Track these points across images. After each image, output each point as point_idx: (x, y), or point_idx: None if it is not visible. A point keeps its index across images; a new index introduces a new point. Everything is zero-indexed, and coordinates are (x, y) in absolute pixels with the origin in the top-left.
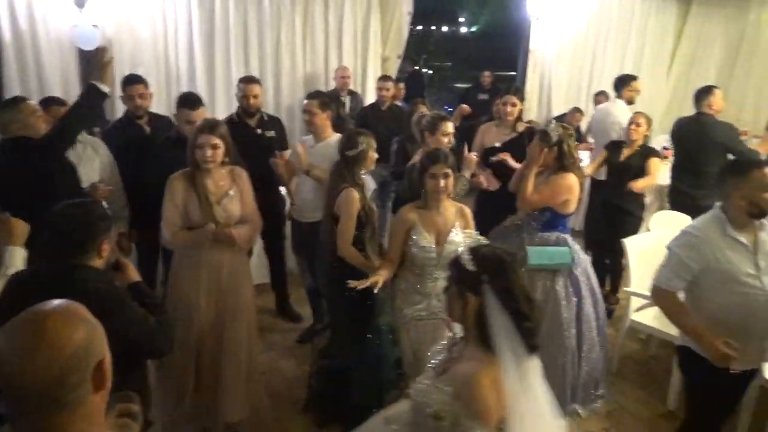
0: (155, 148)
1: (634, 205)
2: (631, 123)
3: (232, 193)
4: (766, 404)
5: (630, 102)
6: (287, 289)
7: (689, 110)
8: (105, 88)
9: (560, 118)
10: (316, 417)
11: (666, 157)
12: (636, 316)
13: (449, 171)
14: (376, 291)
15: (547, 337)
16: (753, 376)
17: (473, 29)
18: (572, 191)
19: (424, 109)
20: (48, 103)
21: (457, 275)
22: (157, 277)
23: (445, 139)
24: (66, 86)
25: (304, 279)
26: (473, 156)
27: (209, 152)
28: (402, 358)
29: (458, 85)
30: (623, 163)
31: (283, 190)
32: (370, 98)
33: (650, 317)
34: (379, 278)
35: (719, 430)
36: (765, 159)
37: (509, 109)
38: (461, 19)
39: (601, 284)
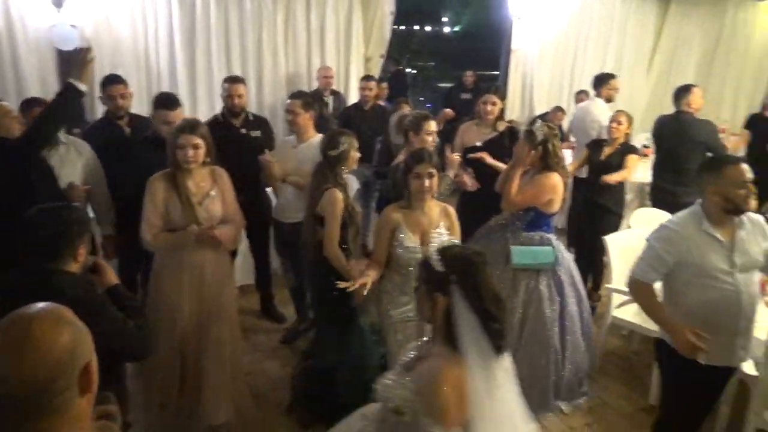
0: (135, 149)
1: (615, 203)
2: (612, 121)
3: (213, 193)
4: (745, 399)
5: (609, 100)
6: (272, 289)
7: (669, 108)
8: (83, 87)
9: (542, 117)
10: (300, 418)
11: (646, 155)
12: (617, 313)
13: (434, 171)
14: (365, 293)
15: (531, 336)
16: (728, 373)
17: (456, 29)
18: (556, 191)
19: (407, 109)
20: (29, 104)
21: (426, 275)
22: (137, 279)
23: (429, 138)
24: (44, 87)
25: (288, 279)
26: (456, 156)
27: (191, 152)
28: (387, 357)
29: (441, 84)
30: (604, 161)
31: (269, 189)
32: (353, 98)
33: (631, 313)
34: (368, 279)
35: (693, 425)
36: (740, 156)
37: (489, 108)
38: (444, 19)
39: (584, 281)
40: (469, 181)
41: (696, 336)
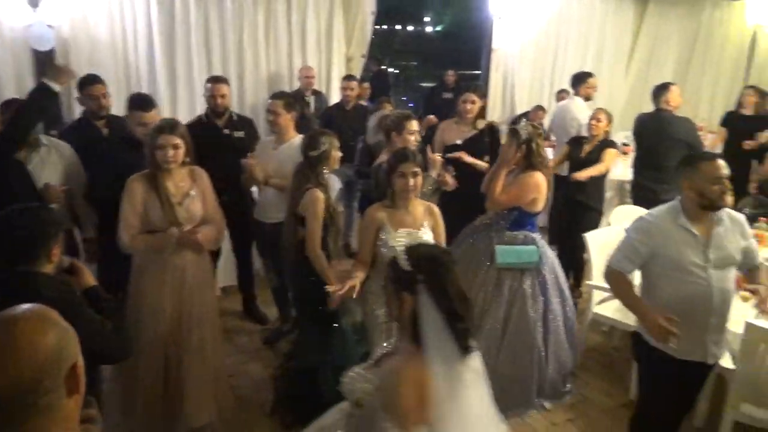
0: (113, 150)
1: (595, 199)
2: (591, 119)
3: (193, 193)
4: (723, 392)
5: (587, 98)
6: (254, 290)
7: (648, 106)
8: (56, 88)
9: (523, 116)
10: (283, 419)
11: (626, 153)
12: (598, 309)
13: (418, 170)
14: (354, 296)
15: (514, 335)
16: (702, 370)
17: (438, 29)
18: (540, 190)
19: (389, 109)
20: (9, 105)
21: (394, 275)
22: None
23: (412, 138)
24: (20, 87)
25: (270, 280)
26: (438, 156)
27: (170, 152)
28: (371, 356)
29: (424, 84)
30: (584, 158)
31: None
32: (334, 98)
33: (612, 309)
34: (355, 281)
35: (668, 419)
36: (717, 152)
37: (469, 106)
38: (426, 19)
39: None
40: (451, 180)
41: (667, 321)
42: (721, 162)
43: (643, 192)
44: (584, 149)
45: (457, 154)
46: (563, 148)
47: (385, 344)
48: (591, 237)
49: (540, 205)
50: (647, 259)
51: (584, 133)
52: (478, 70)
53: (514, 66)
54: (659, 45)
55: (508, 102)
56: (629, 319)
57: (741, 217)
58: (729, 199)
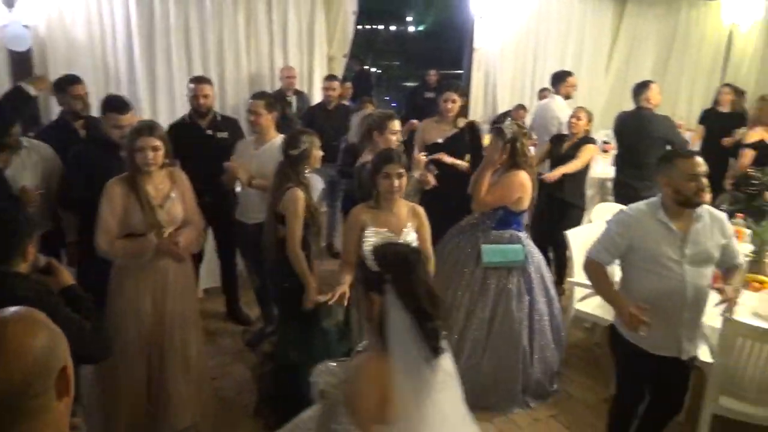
0: (91, 151)
1: (576, 198)
2: (572, 117)
3: (173, 195)
4: (702, 386)
5: (568, 97)
6: (238, 291)
7: (628, 105)
8: (32, 91)
9: (505, 115)
10: (266, 420)
11: (606, 151)
12: (580, 306)
13: (403, 171)
14: (345, 303)
15: (499, 335)
16: (676, 365)
17: (420, 28)
18: (525, 189)
19: (371, 109)
20: None
21: (362, 275)
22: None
23: (393, 138)
24: None
25: (252, 281)
26: (422, 156)
27: (150, 155)
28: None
29: (407, 83)
30: (563, 155)
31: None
32: (317, 98)
33: (593, 306)
34: (345, 288)
35: (635, 403)
36: (694, 149)
37: (450, 105)
38: (409, 19)
39: None
40: (432, 180)
41: (638, 310)
42: (698, 159)
43: (624, 189)
44: (564, 147)
45: (437, 156)
46: (545, 146)
47: (362, 343)
48: (572, 234)
49: (525, 203)
50: (625, 252)
51: (565, 131)
52: (461, 70)
53: (496, 65)
54: (638, 45)
55: (489, 101)
56: (610, 315)
57: (722, 216)
58: (707, 196)
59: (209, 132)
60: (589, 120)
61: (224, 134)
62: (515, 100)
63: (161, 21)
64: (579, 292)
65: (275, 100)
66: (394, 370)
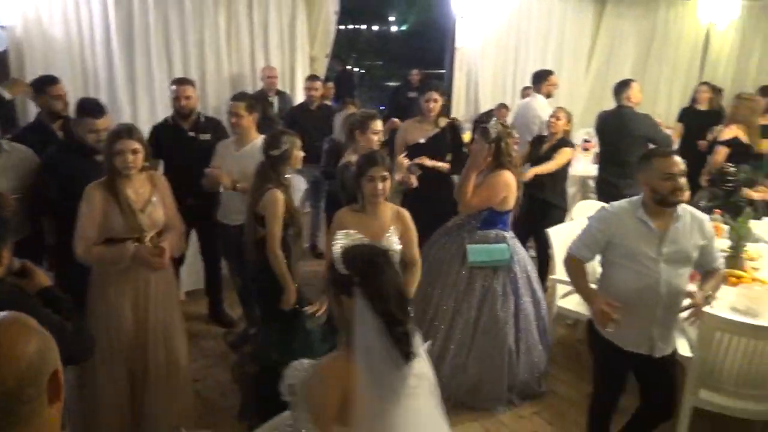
0: (68, 154)
1: (556, 198)
2: (551, 117)
3: (155, 199)
4: (681, 381)
5: (549, 96)
6: (222, 293)
7: (608, 104)
8: (6, 95)
9: (488, 114)
10: (250, 422)
11: (587, 149)
12: (562, 303)
13: (387, 174)
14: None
15: (484, 335)
16: (650, 363)
17: (403, 28)
18: (509, 188)
19: (353, 109)
20: None
21: (332, 278)
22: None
23: (375, 138)
24: None
25: (235, 282)
26: (405, 159)
27: (130, 158)
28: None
29: (389, 83)
30: (542, 157)
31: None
32: (299, 98)
33: (575, 303)
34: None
35: (614, 402)
36: (672, 148)
37: (431, 105)
38: (391, 18)
39: None
40: (415, 182)
41: (609, 307)
42: (675, 159)
43: (607, 187)
44: (543, 149)
45: (418, 160)
46: (525, 147)
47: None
48: (554, 232)
49: (510, 203)
50: (605, 248)
51: (545, 130)
52: (443, 69)
53: (477, 64)
54: (617, 44)
55: (472, 100)
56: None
57: (703, 217)
58: (684, 195)
59: (192, 134)
60: (569, 120)
61: (207, 136)
62: (497, 98)
63: (140, 21)
64: (561, 289)
65: (256, 101)
66: (358, 373)
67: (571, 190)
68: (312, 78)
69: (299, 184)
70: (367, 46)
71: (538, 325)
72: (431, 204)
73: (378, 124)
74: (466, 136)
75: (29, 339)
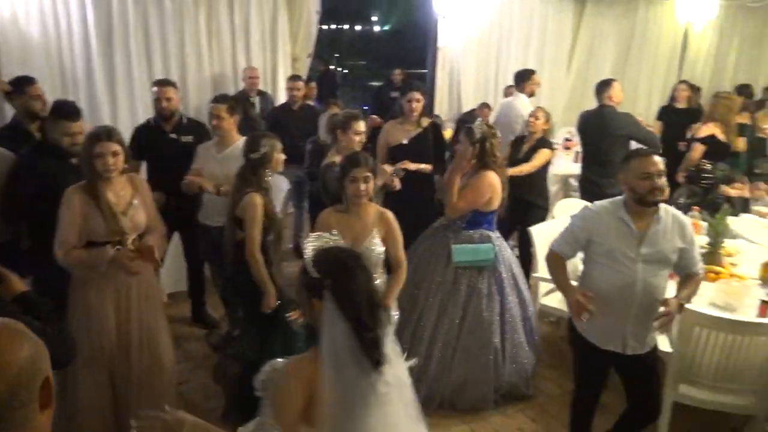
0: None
1: (537, 197)
2: (530, 116)
3: (136, 202)
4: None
5: (532, 95)
6: (205, 295)
7: (589, 102)
8: None
9: (470, 114)
10: (235, 424)
11: (569, 148)
12: (545, 300)
13: (370, 174)
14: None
15: (470, 335)
16: (630, 361)
17: (386, 28)
18: (494, 189)
19: (336, 110)
20: None
21: (304, 280)
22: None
23: (357, 138)
24: None
25: (217, 284)
26: (388, 167)
27: (110, 160)
28: None
29: (373, 83)
30: (522, 158)
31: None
32: (281, 98)
33: (557, 300)
34: None
35: (595, 398)
36: (657, 145)
37: (414, 105)
38: (374, 18)
39: None
40: (398, 184)
41: (584, 298)
42: (654, 158)
43: (590, 186)
44: (523, 150)
45: (401, 165)
46: (506, 147)
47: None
48: (536, 231)
49: (495, 203)
50: (586, 246)
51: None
52: (426, 69)
53: (460, 64)
54: (598, 43)
55: (454, 99)
56: None
57: (685, 221)
58: (662, 194)
59: (173, 135)
60: (547, 119)
61: (189, 138)
62: (479, 98)
63: (119, 21)
64: (544, 287)
65: (237, 102)
66: (323, 376)
67: (553, 188)
68: (294, 78)
69: (282, 185)
70: (350, 46)
71: (524, 326)
72: (413, 204)
73: (360, 125)
74: (447, 133)
75: (22, 344)
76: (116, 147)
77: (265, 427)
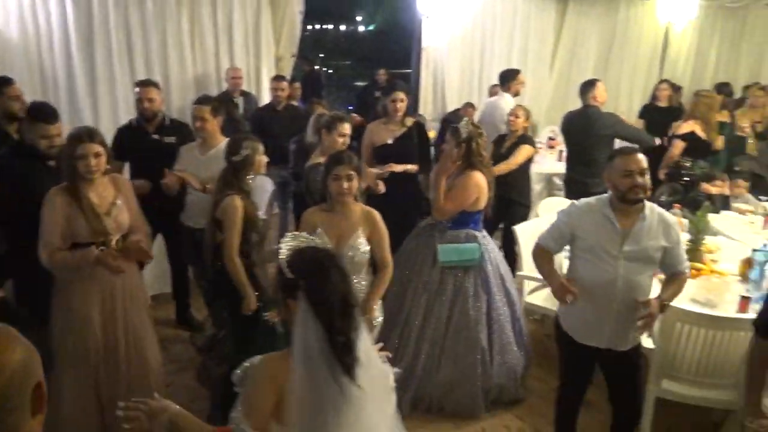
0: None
1: (519, 194)
2: (510, 115)
3: (119, 202)
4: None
5: (517, 94)
6: (189, 297)
7: (572, 101)
8: None
9: (454, 114)
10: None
11: (553, 147)
12: (530, 298)
13: (353, 173)
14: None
15: (456, 335)
16: (612, 358)
17: (370, 28)
18: (480, 189)
19: (321, 110)
20: None
21: (279, 281)
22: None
23: (341, 140)
24: None
25: (201, 286)
26: (373, 170)
27: (93, 161)
28: None
29: (358, 83)
30: (503, 154)
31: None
32: (265, 99)
33: (542, 298)
34: None
35: (577, 393)
36: (643, 140)
37: (399, 105)
38: (359, 18)
39: None
40: (382, 188)
41: (568, 281)
42: (635, 157)
43: (575, 186)
44: (504, 147)
45: (387, 168)
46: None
47: None
48: (520, 229)
49: (482, 203)
50: (571, 241)
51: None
52: (410, 69)
53: (444, 64)
54: (580, 43)
55: (439, 99)
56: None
57: (671, 220)
58: (645, 192)
59: (155, 136)
60: (527, 117)
61: (172, 139)
62: (464, 97)
63: (100, 21)
64: (528, 285)
65: (220, 103)
66: (293, 376)
67: (537, 187)
68: (278, 78)
69: (267, 186)
70: (335, 46)
71: (513, 327)
72: (397, 205)
73: (346, 127)
74: (431, 134)
75: (14, 348)
76: (98, 148)
77: (235, 422)
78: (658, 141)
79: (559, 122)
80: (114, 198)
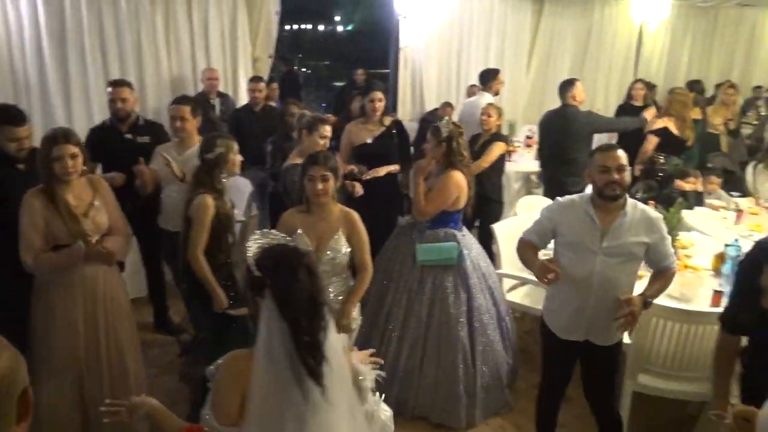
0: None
1: (492, 191)
2: (482, 114)
3: (97, 203)
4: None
5: (496, 94)
6: (166, 300)
7: (549, 101)
8: None
9: (433, 113)
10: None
11: (530, 146)
12: (509, 296)
13: (328, 174)
14: None
15: (437, 334)
16: (591, 352)
17: (348, 28)
18: (460, 188)
19: (296, 110)
20: None
21: (248, 279)
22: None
23: (321, 141)
24: None
25: (180, 288)
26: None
27: (69, 163)
28: None
29: (336, 83)
30: (476, 152)
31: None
32: (243, 100)
33: (521, 296)
34: None
35: (560, 391)
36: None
37: (377, 105)
38: (337, 18)
39: None
40: (360, 190)
41: (550, 262)
42: (613, 153)
43: (554, 184)
44: (477, 145)
45: (373, 173)
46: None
47: None
48: (499, 228)
49: (462, 202)
50: (553, 236)
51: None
52: (388, 69)
53: (422, 63)
54: (556, 43)
55: (417, 98)
56: (538, 306)
57: (654, 216)
58: (620, 188)
59: (129, 136)
60: (500, 116)
61: (145, 138)
62: (442, 97)
63: (73, 22)
64: (507, 283)
65: (197, 104)
66: (252, 378)
67: (515, 185)
68: (255, 79)
69: (245, 187)
70: (313, 46)
71: (500, 327)
72: (377, 203)
73: (327, 129)
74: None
75: (2, 353)
76: (74, 149)
77: (204, 419)
78: (650, 113)
79: (537, 121)
80: (92, 199)
